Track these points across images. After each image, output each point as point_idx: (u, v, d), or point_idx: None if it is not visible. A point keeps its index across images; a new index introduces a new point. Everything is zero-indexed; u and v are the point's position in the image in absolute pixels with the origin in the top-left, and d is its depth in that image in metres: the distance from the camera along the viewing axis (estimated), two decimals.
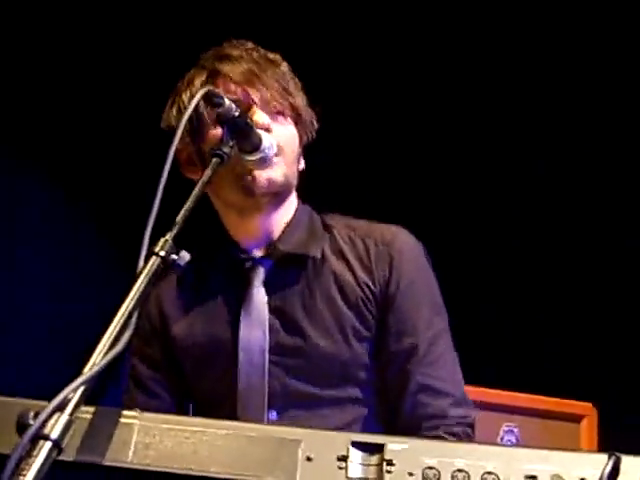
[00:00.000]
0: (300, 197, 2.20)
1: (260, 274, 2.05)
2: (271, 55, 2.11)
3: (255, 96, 2.01)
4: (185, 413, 2.08)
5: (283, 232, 2.09)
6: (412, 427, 1.93)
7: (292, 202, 2.12)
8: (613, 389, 3.95)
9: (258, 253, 2.08)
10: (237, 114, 1.78)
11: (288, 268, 2.06)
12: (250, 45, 2.11)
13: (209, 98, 1.73)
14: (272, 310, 2.02)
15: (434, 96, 4.24)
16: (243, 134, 1.83)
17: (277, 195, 2.03)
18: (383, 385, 2.02)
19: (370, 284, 2.04)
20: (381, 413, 2.02)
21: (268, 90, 2.02)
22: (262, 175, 1.97)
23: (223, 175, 1.96)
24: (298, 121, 2.09)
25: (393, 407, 2.00)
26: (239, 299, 2.04)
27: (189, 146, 2.06)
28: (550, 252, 4.30)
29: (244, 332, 2.00)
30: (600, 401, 3.56)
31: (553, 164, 4.35)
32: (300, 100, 2.11)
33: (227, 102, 1.74)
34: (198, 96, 1.64)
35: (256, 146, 1.89)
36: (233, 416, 1.94)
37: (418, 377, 1.98)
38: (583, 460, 1.25)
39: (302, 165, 2.15)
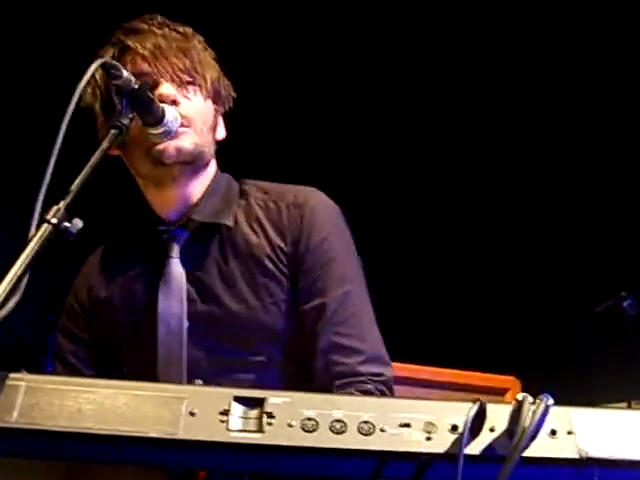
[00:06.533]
0: (221, 165, 2.21)
1: (177, 245, 2.08)
2: (181, 28, 2.14)
3: (162, 69, 2.03)
4: None
5: (198, 202, 2.12)
6: (326, 386, 1.96)
7: (209, 172, 2.15)
8: (535, 362, 4.04)
9: (176, 224, 2.11)
10: (136, 86, 1.80)
11: (204, 237, 2.10)
12: (159, 19, 2.13)
13: (106, 70, 1.75)
14: (189, 280, 2.06)
15: (343, 55, 4.28)
16: (144, 107, 1.85)
17: (189, 164, 2.06)
18: (296, 345, 2.05)
19: (283, 246, 2.07)
20: (300, 374, 2.04)
21: (175, 62, 2.05)
22: (170, 145, 2.00)
23: (134, 148, 2.01)
24: (210, 92, 2.11)
25: (309, 367, 2.02)
26: (158, 270, 2.07)
27: (104, 122, 2.09)
28: (473, 227, 4.38)
29: (162, 303, 2.04)
30: (523, 374, 3.64)
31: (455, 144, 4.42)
32: (212, 71, 2.13)
33: (125, 74, 1.76)
34: (92, 68, 1.65)
35: (159, 119, 1.92)
36: None
37: (328, 336, 2.00)
38: (454, 409, 1.30)
39: (222, 135, 2.18)
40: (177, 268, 2.07)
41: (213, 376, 1.96)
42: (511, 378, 3.65)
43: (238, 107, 2.22)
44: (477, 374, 3.69)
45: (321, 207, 2.12)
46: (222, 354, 2.01)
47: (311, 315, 2.02)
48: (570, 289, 4.34)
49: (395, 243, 4.38)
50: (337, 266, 2.07)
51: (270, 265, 2.05)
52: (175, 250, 2.09)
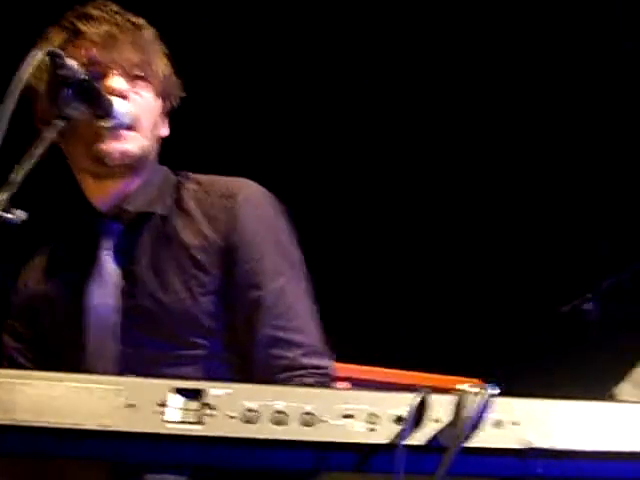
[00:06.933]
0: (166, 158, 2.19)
1: (111, 237, 2.05)
2: (135, 19, 2.10)
3: (114, 60, 1.99)
4: None
5: (133, 194, 2.08)
6: (267, 380, 1.92)
7: (148, 165, 2.11)
8: (500, 364, 4.03)
9: (109, 214, 2.08)
10: (83, 77, 1.76)
11: (137, 229, 2.06)
12: (114, 7, 2.09)
13: (51, 59, 1.71)
14: (121, 272, 2.02)
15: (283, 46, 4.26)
16: (91, 98, 1.82)
17: (131, 166, 2.03)
18: (235, 339, 2.02)
19: (214, 237, 2.03)
20: (238, 367, 2.01)
21: (127, 54, 2.00)
22: (116, 147, 1.97)
23: (76, 141, 1.97)
24: (160, 89, 2.08)
25: (247, 361, 2.00)
26: (90, 263, 2.04)
27: (48, 109, 2.03)
28: (437, 223, 4.37)
29: (93, 297, 2.01)
30: (488, 377, 3.63)
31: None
32: (163, 67, 2.10)
33: (71, 64, 1.73)
34: (37, 57, 1.63)
35: (107, 112, 1.89)
36: None
37: (267, 330, 1.97)
38: (397, 399, 1.29)
39: (166, 132, 2.15)
40: (109, 261, 2.04)
41: (144, 371, 1.90)
42: (475, 380, 3.64)
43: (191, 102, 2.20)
44: (441, 377, 3.66)
45: (253, 198, 2.09)
46: (154, 349, 1.99)
47: (248, 309, 1.99)
48: (535, 291, 4.34)
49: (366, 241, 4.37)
50: (272, 258, 2.04)
51: (199, 256, 2.01)
52: (108, 242, 2.05)
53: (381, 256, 4.35)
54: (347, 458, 1.27)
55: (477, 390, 1.25)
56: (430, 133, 4.38)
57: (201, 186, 2.10)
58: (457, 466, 1.24)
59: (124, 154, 1.98)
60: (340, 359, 2.30)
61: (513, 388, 1.41)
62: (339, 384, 2.27)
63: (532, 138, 4.31)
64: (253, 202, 2.08)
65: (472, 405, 1.24)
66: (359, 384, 2.62)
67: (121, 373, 1.90)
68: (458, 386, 1.26)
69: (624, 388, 4.75)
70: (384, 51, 4.33)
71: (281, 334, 1.98)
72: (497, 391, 1.26)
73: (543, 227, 4.36)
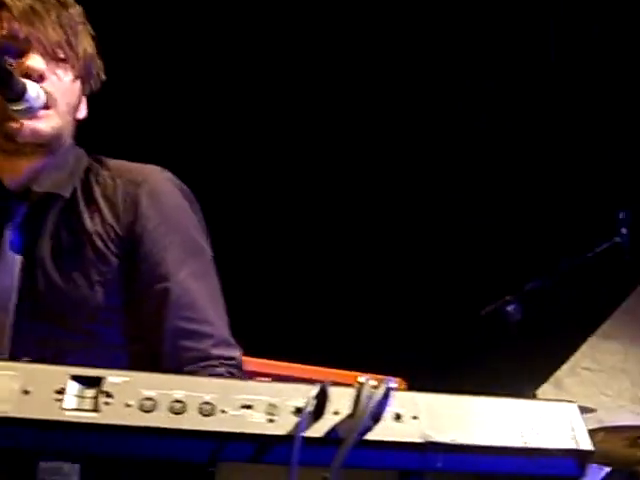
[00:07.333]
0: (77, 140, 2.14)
1: (16, 216, 2.01)
2: None
3: (34, 37, 1.93)
4: None
5: (43, 174, 2.04)
6: (176, 371, 1.87)
7: (61, 146, 2.06)
8: (421, 363, 4.06)
9: (17, 193, 2.04)
10: None
11: (42, 211, 2.02)
12: None
13: None
14: (23, 253, 1.98)
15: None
16: (3, 81, 1.78)
17: (43, 145, 1.99)
18: (140, 330, 2.00)
19: (115, 225, 1.99)
20: (142, 359, 1.99)
21: (49, 32, 1.95)
22: (28, 125, 1.92)
23: None
24: (80, 70, 2.04)
25: (155, 352, 1.97)
26: None
27: None
28: (347, 221, 4.39)
29: None
30: (409, 376, 3.65)
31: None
32: (86, 48, 2.05)
33: None
34: None
35: (19, 95, 1.85)
36: None
37: (175, 321, 1.95)
38: (297, 391, 1.28)
39: (83, 114, 2.11)
40: (10, 241, 1.99)
41: (39, 355, 1.88)
42: (397, 379, 3.66)
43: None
44: (349, 372, 3.68)
45: (161, 186, 2.05)
46: (49, 334, 1.94)
47: (155, 300, 1.96)
48: (457, 291, 4.38)
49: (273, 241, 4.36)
50: (178, 250, 2.01)
51: (99, 243, 1.98)
52: (14, 221, 2.01)
53: (296, 253, 4.35)
54: (245, 449, 1.25)
55: (376, 383, 1.25)
56: (331, 128, 4.38)
57: (110, 171, 2.06)
58: (356, 459, 1.24)
59: (36, 133, 1.94)
60: (251, 353, 2.29)
61: (437, 388, 1.41)
62: (260, 379, 2.26)
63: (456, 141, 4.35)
64: (161, 191, 2.04)
65: (371, 398, 1.24)
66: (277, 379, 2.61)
67: (15, 356, 1.87)
68: (358, 379, 1.26)
69: (546, 389, 4.83)
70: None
71: (190, 325, 1.95)
72: (396, 385, 1.26)
73: (467, 229, 4.40)
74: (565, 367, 5.21)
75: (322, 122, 4.32)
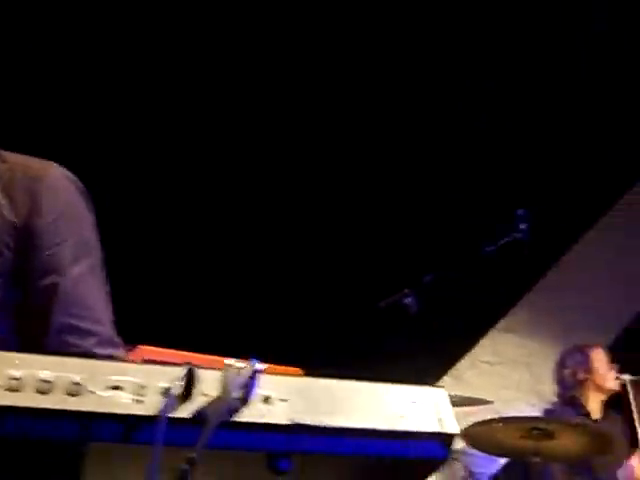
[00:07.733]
0: None
1: None
2: None
3: None
4: None
5: None
6: None
7: None
8: (322, 354, 4.11)
9: None
10: None
11: None
12: None
13: None
14: None
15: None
16: None
17: None
18: (27, 325, 2.00)
19: (11, 218, 1.97)
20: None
21: None
22: None
23: None
24: None
25: (39, 348, 1.96)
26: None
27: None
28: (264, 218, 4.42)
29: None
30: (306, 365, 3.69)
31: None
32: None
33: None
34: None
35: None
36: None
37: (62, 317, 1.94)
38: (166, 372, 1.29)
39: None
40: None
41: None
42: (296, 369, 3.69)
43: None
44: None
45: (57, 182, 2.05)
46: None
47: (44, 294, 1.95)
48: (356, 284, 4.43)
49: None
50: (71, 246, 1.99)
51: None
52: None
53: (196, 245, 4.36)
54: (112, 429, 1.26)
55: (243, 365, 1.27)
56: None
57: (6, 164, 2.04)
58: (222, 440, 1.26)
59: None
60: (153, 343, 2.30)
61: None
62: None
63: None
64: (58, 186, 2.03)
65: (237, 380, 1.26)
66: None
67: None
68: (225, 361, 1.28)
69: (446, 381, 4.90)
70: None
71: (76, 322, 1.94)
72: (262, 367, 1.29)
73: (365, 226, 4.46)
74: (465, 360, 5.31)
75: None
